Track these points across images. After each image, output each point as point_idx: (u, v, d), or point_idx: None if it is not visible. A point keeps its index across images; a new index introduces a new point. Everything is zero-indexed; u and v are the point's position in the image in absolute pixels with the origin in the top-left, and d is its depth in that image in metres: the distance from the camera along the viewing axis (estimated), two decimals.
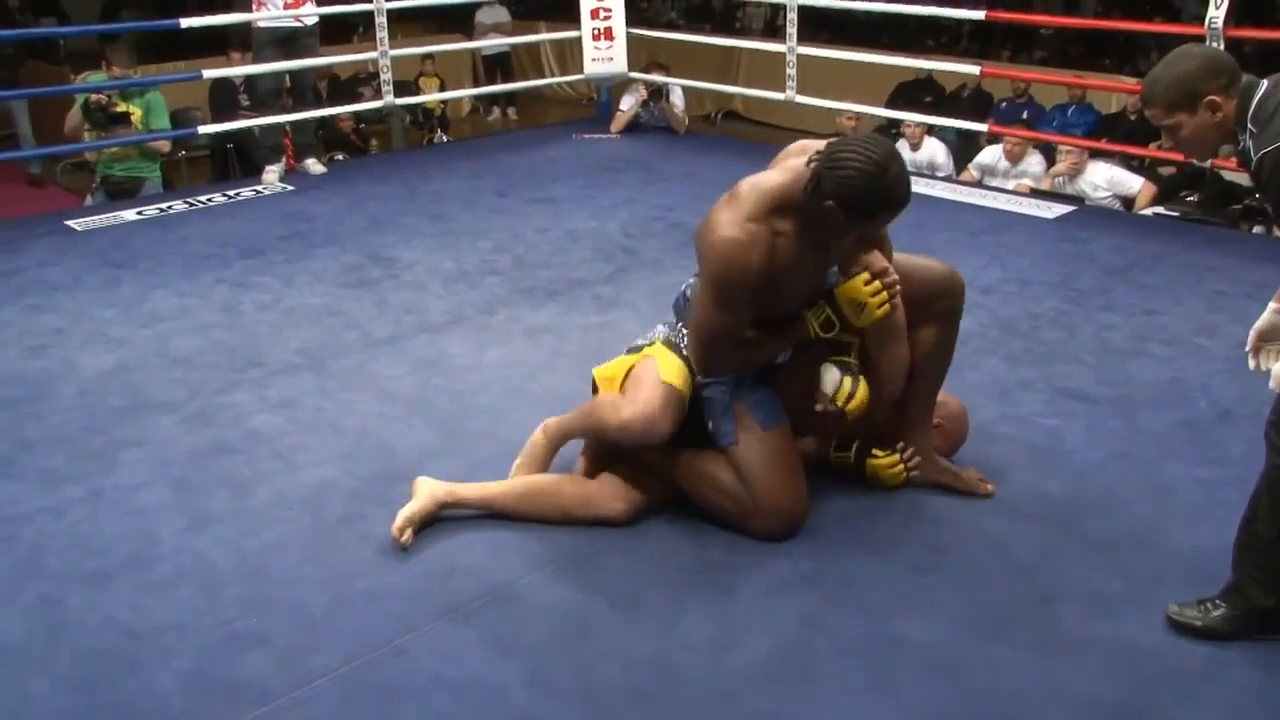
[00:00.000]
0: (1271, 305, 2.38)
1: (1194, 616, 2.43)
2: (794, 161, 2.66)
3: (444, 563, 2.71)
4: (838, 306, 2.74)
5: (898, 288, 2.73)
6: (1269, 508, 2.33)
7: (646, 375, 2.81)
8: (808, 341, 2.81)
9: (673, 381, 2.78)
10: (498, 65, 13.65)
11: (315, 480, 3.11)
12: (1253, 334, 2.41)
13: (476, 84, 13.41)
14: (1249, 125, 2.27)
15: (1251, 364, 2.43)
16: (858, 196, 2.50)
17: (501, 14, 13.06)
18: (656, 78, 7.42)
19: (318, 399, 3.63)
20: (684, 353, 2.85)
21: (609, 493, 2.88)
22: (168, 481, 3.12)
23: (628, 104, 7.46)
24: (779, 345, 2.84)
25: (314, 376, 3.80)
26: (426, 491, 2.83)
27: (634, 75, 7.46)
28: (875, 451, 2.97)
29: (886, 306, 2.71)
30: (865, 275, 2.71)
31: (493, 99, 13.78)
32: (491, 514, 2.86)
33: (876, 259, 2.74)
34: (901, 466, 2.96)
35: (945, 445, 3.10)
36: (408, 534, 2.75)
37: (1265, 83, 2.29)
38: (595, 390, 3.00)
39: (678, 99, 7.47)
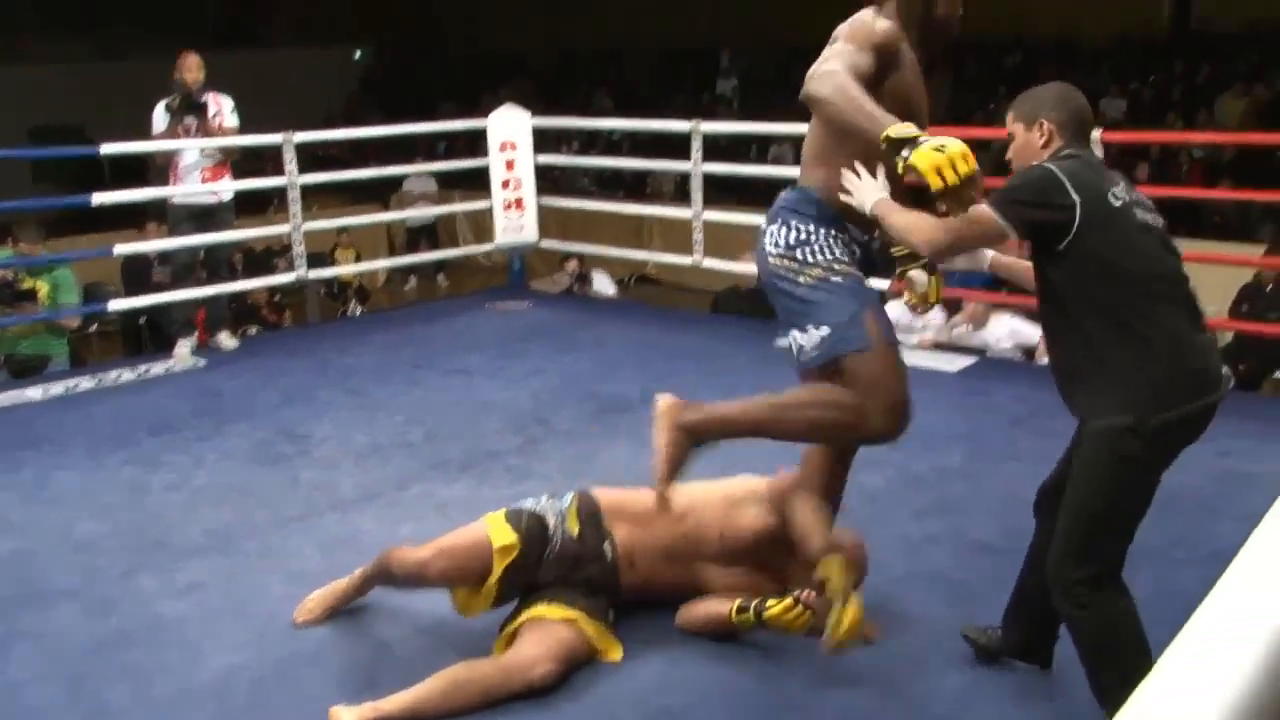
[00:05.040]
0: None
1: None
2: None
3: None
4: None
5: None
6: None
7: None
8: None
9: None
10: (423, 234, 13.88)
11: (221, 667, 3.03)
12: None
13: (393, 254, 13.55)
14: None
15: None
16: None
17: (429, 184, 13.29)
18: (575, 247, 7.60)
19: (225, 582, 3.55)
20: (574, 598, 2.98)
21: (529, 655, 2.81)
22: (63, 676, 3.01)
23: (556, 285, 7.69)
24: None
25: (222, 558, 3.73)
26: None
27: (545, 245, 7.62)
28: (770, 602, 2.93)
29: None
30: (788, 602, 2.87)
31: (415, 269, 13.92)
32: None
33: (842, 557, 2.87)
34: (800, 608, 2.88)
35: None
36: None
37: (1085, 156, 2.58)
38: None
39: (603, 285, 7.68)
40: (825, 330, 2.75)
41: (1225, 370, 2.50)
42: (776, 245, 2.83)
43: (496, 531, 3.03)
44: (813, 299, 2.76)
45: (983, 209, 2.46)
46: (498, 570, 2.98)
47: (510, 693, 2.78)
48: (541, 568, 3.03)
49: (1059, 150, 2.58)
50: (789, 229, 2.83)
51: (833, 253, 2.79)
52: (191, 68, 6.34)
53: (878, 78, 2.68)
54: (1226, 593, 0.78)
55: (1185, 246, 2.79)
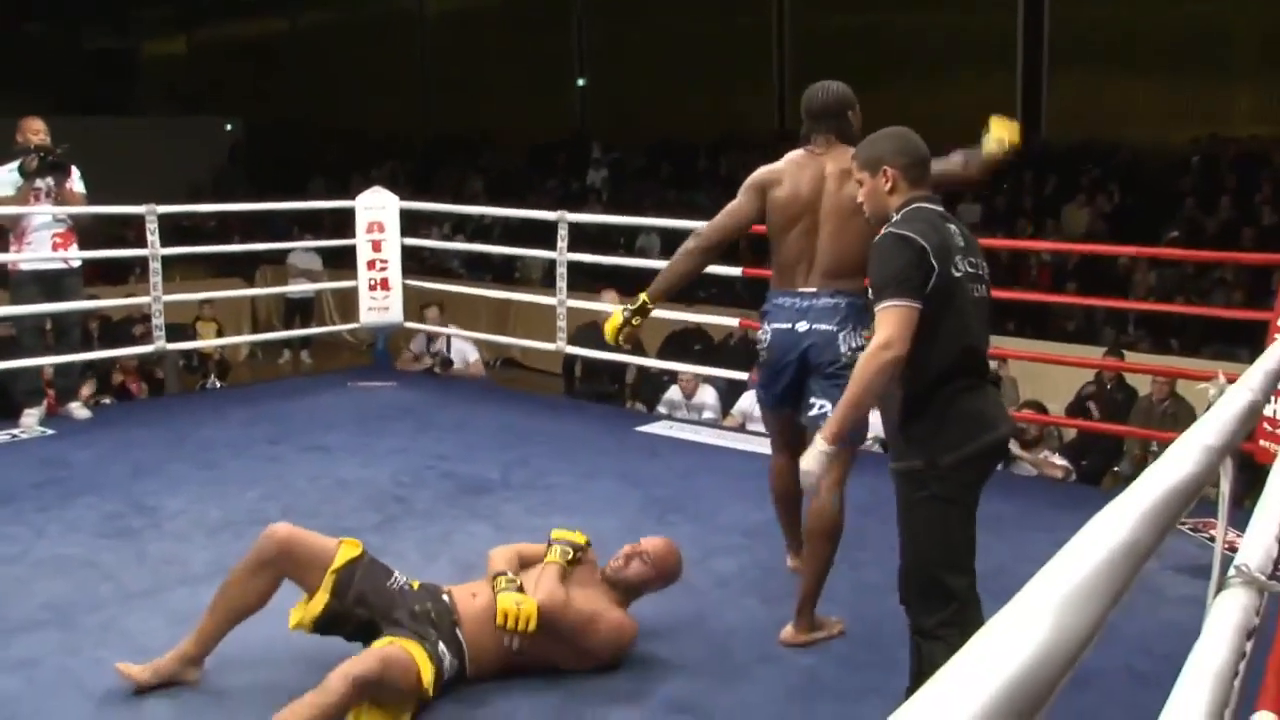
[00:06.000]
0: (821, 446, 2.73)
1: None
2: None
3: None
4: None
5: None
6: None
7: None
8: None
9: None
10: (298, 309, 13.92)
11: None
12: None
13: (256, 328, 13.37)
14: (895, 217, 2.72)
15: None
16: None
17: (314, 260, 13.27)
18: (437, 329, 7.63)
19: (62, 657, 3.44)
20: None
21: (349, 660, 2.93)
22: None
23: (418, 347, 7.66)
24: None
25: (60, 633, 3.61)
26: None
27: (411, 325, 7.63)
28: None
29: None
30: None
31: (285, 343, 13.83)
32: None
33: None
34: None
35: (657, 580, 3.45)
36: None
37: (930, 207, 2.73)
38: None
39: (470, 353, 7.73)
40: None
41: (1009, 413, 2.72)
42: (850, 348, 3.48)
43: (345, 540, 3.34)
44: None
45: (890, 313, 2.60)
46: (340, 560, 3.22)
47: (339, 700, 2.83)
48: (385, 596, 3.24)
49: (907, 199, 2.75)
50: (857, 335, 3.49)
51: None
52: (37, 130, 6.13)
53: None
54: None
55: (1033, 347, 3.02)
